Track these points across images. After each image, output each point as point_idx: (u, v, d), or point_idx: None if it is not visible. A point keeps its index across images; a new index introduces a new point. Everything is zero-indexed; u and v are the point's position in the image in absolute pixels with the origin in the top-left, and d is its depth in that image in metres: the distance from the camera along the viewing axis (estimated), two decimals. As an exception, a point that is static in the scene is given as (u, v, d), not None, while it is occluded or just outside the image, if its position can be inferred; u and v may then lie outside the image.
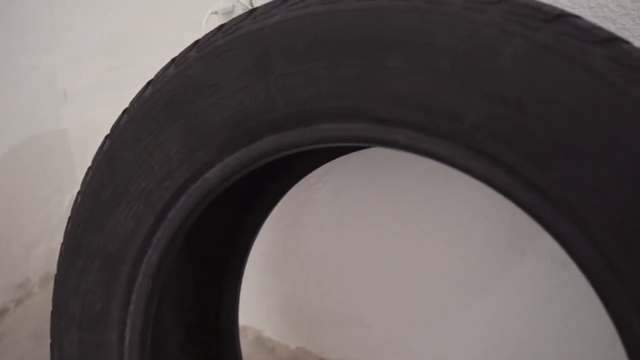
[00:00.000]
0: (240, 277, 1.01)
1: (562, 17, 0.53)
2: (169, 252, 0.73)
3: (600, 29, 0.53)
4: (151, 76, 0.71)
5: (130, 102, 0.73)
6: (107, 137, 0.74)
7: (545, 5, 0.55)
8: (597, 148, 0.50)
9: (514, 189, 0.54)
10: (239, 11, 0.99)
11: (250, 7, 0.90)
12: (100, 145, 0.75)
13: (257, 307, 1.39)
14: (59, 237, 0.81)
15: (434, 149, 0.58)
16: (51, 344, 0.79)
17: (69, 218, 0.78)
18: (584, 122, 0.50)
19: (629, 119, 0.49)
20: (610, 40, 0.52)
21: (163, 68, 0.70)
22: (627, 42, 0.53)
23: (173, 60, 0.70)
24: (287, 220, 1.24)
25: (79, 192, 0.77)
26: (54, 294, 0.79)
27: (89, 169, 0.76)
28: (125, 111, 0.73)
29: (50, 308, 0.80)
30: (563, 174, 0.51)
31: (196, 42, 0.69)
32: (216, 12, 0.89)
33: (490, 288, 1.05)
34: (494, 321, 1.08)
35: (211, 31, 0.68)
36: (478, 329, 1.10)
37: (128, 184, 0.72)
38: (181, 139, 0.68)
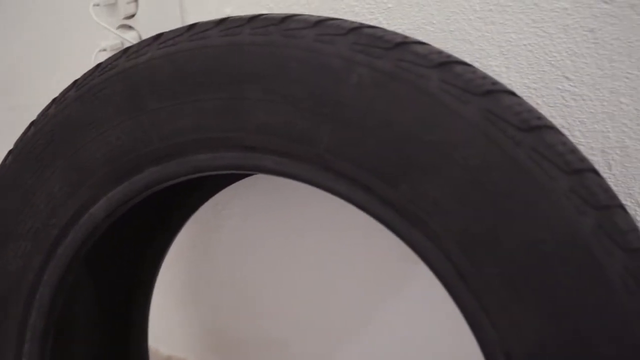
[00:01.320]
0: (148, 304, 1.01)
1: (402, 44, 0.58)
2: (62, 288, 0.74)
3: (439, 53, 0.58)
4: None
5: (15, 143, 0.74)
6: (-7, 178, 0.75)
7: (388, 33, 0.59)
8: (436, 165, 0.54)
9: (371, 206, 0.58)
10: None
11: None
12: (-12, 187, 0.75)
13: (180, 337, 1.39)
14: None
15: (300, 173, 0.61)
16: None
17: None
18: (423, 141, 0.54)
19: (461, 136, 0.53)
20: (445, 64, 0.56)
21: (45, 108, 0.72)
22: (463, 64, 0.58)
23: (54, 100, 0.72)
24: (199, 249, 1.25)
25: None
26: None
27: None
28: (10, 152, 0.74)
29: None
30: (410, 190, 0.55)
31: (75, 81, 0.71)
32: (105, 50, 0.91)
33: (393, 297, 1.09)
34: (402, 327, 1.12)
35: (89, 70, 0.70)
36: (387, 336, 1.14)
37: (15, 223, 0.73)
38: (64, 176, 0.70)
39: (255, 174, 0.89)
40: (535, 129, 0.54)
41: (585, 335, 0.50)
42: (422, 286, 1.05)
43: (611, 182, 0.80)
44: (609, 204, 0.53)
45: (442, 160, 0.53)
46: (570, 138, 0.79)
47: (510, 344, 0.53)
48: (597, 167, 0.79)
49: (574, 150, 0.55)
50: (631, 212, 0.80)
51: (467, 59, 0.79)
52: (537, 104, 0.80)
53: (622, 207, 0.54)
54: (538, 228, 0.51)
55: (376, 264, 1.09)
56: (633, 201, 0.80)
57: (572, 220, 0.51)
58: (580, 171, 0.53)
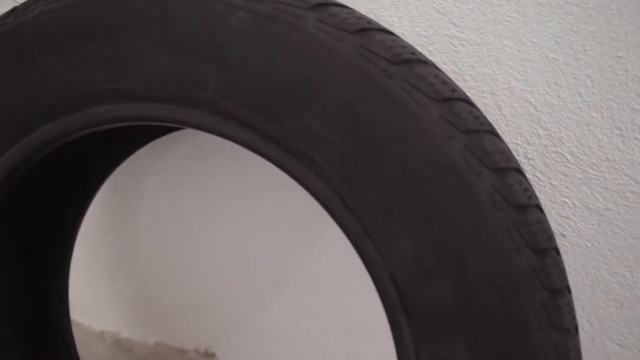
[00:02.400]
0: (67, 267, 1.01)
1: (280, -12, 0.60)
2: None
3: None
4: None
5: None
6: None
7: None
8: (314, 99, 0.57)
9: (257, 144, 0.60)
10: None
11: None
12: None
13: (111, 311, 1.39)
14: None
15: (191, 119, 0.63)
16: None
17: None
18: (302, 77, 0.57)
19: (336, 71, 0.56)
20: (322, 5, 0.59)
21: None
22: (339, 5, 0.61)
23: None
24: (122, 220, 1.26)
25: None
26: None
27: None
28: None
29: None
30: (293, 126, 0.58)
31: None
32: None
33: (314, 255, 1.13)
34: (323, 286, 1.15)
35: (-21, 31, 0.70)
36: (310, 296, 1.17)
37: None
38: (-40, 138, 0.69)
39: (166, 131, 0.90)
40: (407, 62, 0.57)
41: (458, 249, 0.54)
42: (340, 242, 1.09)
43: (502, 122, 0.85)
44: (477, 129, 0.56)
45: (319, 94, 0.56)
46: (462, 83, 0.83)
47: (393, 265, 0.57)
48: (487, 109, 0.84)
49: (445, 82, 0.58)
50: (521, 150, 0.85)
51: (361, 11, 0.82)
52: (430, 51, 0.84)
53: (492, 132, 0.58)
54: (411, 153, 0.55)
55: (297, 222, 1.12)
56: (522, 139, 0.84)
57: (441, 144, 0.54)
58: (450, 99, 0.56)
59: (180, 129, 0.93)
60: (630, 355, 0.96)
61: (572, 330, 0.56)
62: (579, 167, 0.84)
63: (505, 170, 0.55)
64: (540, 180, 0.86)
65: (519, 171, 0.57)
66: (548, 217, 0.89)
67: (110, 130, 0.70)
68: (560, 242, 0.90)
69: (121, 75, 0.63)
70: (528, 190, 0.57)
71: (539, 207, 0.57)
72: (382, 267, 0.57)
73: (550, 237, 0.57)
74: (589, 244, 0.89)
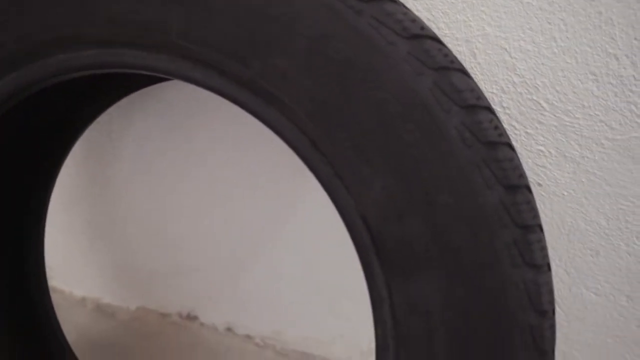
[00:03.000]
0: (42, 231, 0.99)
1: None
2: None
3: None
4: None
5: None
6: None
7: None
8: (282, 39, 0.56)
9: (227, 89, 0.59)
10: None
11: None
12: None
13: (92, 277, 1.38)
14: None
15: (158, 65, 0.61)
16: None
17: None
18: (269, 16, 0.56)
19: (303, 9, 0.55)
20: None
21: None
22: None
23: None
24: (98, 184, 1.24)
25: None
26: None
27: None
28: None
29: None
30: (260, 67, 0.57)
31: None
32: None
33: (294, 214, 1.12)
34: (304, 246, 1.15)
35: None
36: (291, 256, 1.17)
37: None
38: None
39: (139, 85, 0.89)
40: (375, 0, 0.56)
41: (428, 187, 0.54)
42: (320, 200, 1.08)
43: (477, 71, 0.84)
44: (447, 66, 0.55)
45: (287, 34, 0.55)
46: (436, 30, 0.82)
47: (364, 206, 0.56)
48: (462, 57, 0.83)
49: (414, 20, 0.57)
50: (497, 98, 0.85)
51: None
52: (403, -1, 0.83)
53: (462, 71, 0.57)
54: (380, 91, 0.54)
55: (277, 182, 1.11)
56: (498, 87, 0.84)
57: (411, 81, 0.53)
58: (419, 36, 0.55)
59: (150, 82, 0.91)
60: (607, 303, 0.97)
61: (543, 267, 0.56)
62: (554, 115, 0.83)
63: (475, 107, 0.55)
64: (516, 129, 0.86)
65: (490, 109, 0.57)
66: (524, 166, 0.89)
67: (80, 85, 0.69)
68: (536, 192, 0.90)
69: (82, 20, 0.61)
70: (499, 128, 0.56)
71: (510, 146, 0.57)
72: (353, 209, 0.57)
73: (521, 175, 0.56)
74: (565, 193, 0.89)
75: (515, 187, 0.54)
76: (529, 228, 0.54)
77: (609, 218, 0.88)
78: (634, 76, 0.76)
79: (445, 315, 0.54)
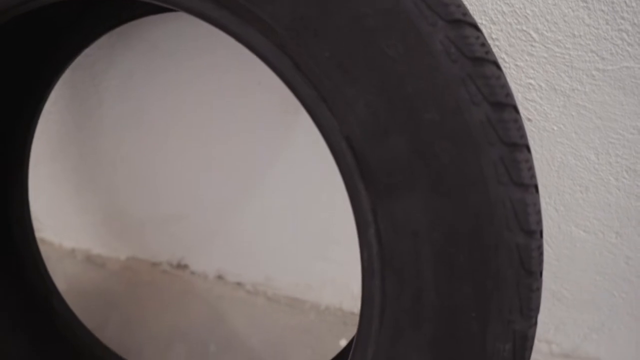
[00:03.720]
0: (26, 164, 0.97)
1: None
2: None
3: None
4: None
5: None
6: None
7: None
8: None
9: (207, 9, 0.57)
10: None
11: None
12: None
13: (80, 227, 1.37)
14: None
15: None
16: None
17: None
18: None
19: None
20: None
21: None
22: None
23: None
24: (83, 130, 1.22)
25: None
26: None
27: None
28: None
29: None
30: (239, -17, 0.55)
31: None
32: None
33: (280, 153, 1.11)
34: (294, 190, 1.14)
35: None
36: (281, 201, 1.16)
37: None
38: None
39: (121, 20, 0.86)
40: None
41: (412, 103, 0.52)
42: (305, 141, 1.07)
43: (465, 1, 0.82)
44: (432, -20, 0.53)
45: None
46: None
47: (348, 126, 0.55)
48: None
49: None
50: (486, 30, 0.83)
51: None
52: None
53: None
54: (362, 5, 0.52)
55: (266, 123, 1.09)
56: (487, 18, 0.82)
57: (394, -6, 0.52)
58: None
59: (132, 16, 0.88)
60: (596, 240, 0.97)
61: (531, 188, 0.55)
62: (544, 46, 0.82)
63: (460, 22, 0.53)
64: (505, 62, 0.84)
65: (476, 27, 0.55)
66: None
67: (60, 17, 0.66)
68: (526, 127, 0.88)
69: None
70: (485, 45, 0.55)
71: (496, 64, 0.55)
72: (337, 131, 0.56)
73: (509, 94, 0.55)
74: (555, 128, 0.88)
75: (502, 104, 0.53)
76: (516, 146, 0.53)
77: (599, 152, 0.87)
78: (625, 2, 0.75)
79: (431, 235, 0.53)
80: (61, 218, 1.38)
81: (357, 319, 1.19)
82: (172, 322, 1.23)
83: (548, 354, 1.10)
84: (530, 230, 0.53)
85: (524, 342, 0.55)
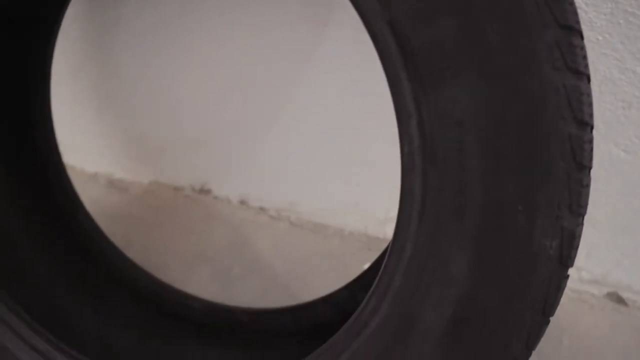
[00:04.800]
0: (48, 76, 0.95)
1: None
2: None
3: None
4: None
5: None
6: None
7: None
8: None
9: None
10: None
11: None
12: None
13: (102, 151, 1.36)
14: None
15: None
16: None
17: None
18: None
19: None
20: None
21: None
22: None
23: None
24: (103, 49, 1.19)
25: None
26: None
27: None
28: None
29: None
30: None
31: None
32: None
33: (306, 73, 1.07)
34: (320, 109, 1.11)
35: None
36: (307, 121, 1.13)
37: None
38: None
39: None
40: None
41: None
42: (335, 52, 1.03)
43: None
44: None
45: None
46: None
47: (391, 9, 0.51)
48: None
49: None
50: None
51: None
52: None
53: None
54: None
55: (287, 39, 1.06)
56: None
57: None
58: None
59: None
60: (636, 161, 0.93)
61: (585, 77, 0.51)
62: (593, -55, 0.76)
63: None
64: (551, -35, 0.79)
65: None
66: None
67: None
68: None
69: None
70: None
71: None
72: (379, 15, 0.52)
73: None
74: (599, 37, 0.83)
75: (559, -16, 0.49)
76: (572, 31, 0.50)
77: (646, 65, 0.83)
78: None
79: (478, 124, 0.50)
80: (82, 142, 1.36)
81: (382, 244, 1.17)
82: (195, 245, 1.23)
83: (577, 280, 1.08)
84: (583, 121, 0.50)
85: (571, 240, 0.52)
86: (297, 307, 0.91)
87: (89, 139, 1.35)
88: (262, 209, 1.28)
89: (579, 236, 0.53)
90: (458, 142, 0.52)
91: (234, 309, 0.93)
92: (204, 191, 1.32)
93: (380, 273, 0.60)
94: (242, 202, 1.29)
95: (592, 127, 0.53)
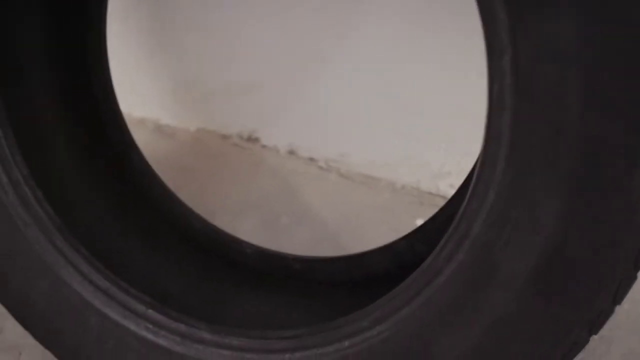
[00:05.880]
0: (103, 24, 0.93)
1: None
2: None
3: None
4: None
5: None
6: None
7: None
8: None
9: None
10: None
11: None
12: None
13: (151, 96, 1.34)
14: None
15: None
16: None
17: None
18: None
19: None
20: None
21: None
22: None
23: None
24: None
25: None
26: None
27: None
28: None
29: None
30: None
31: None
32: None
33: (361, 20, 1.03)
34: (375, 57, 1.07)
35: None
36: (360, 69, 1.09)
37: None
38: None
39: None
40: None
41: None
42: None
43: None
44: None
45: None
46: None
47: None
48: None
49: None
50: None
51: None
52: None
53: None
54: None
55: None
56: None
57: None
58: None
59: None
60: None
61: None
62: None
63: None
64: None
65: None
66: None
67: None
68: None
69: None
70: None
71: None
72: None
73: None
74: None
75: None
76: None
77: None
78: None
79: (581, 58, 0.46)
80: (131, 86, 1.34)
81: (435, 199, 1.14)
82: (243, 193, 1.21)
83: None
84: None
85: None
86: (351, 257, 0.89)
87: (136, 83, 1.33)
88: (311, 159, 1.25)
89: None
90: (558, 79, 0.48)
91: (286, 256, 0.91)
92: (252, 140, 1.30)
93: (458, 218, 0.57)
94: (291, 152, 1.27)
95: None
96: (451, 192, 1.12)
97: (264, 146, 1.29)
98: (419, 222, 1.15)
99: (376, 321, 0.62)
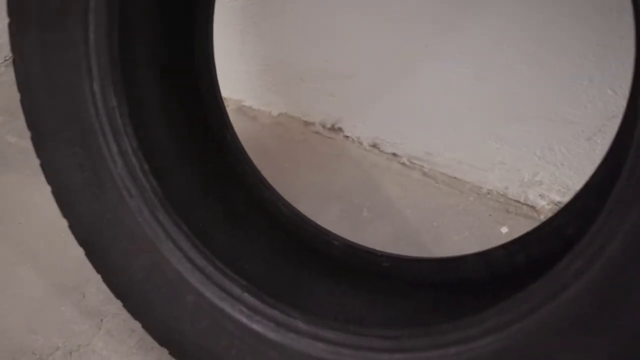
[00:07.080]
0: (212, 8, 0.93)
1: None
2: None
3: None
4: None
5: None
6: None
7: None
8: None
9: None
10: None
11: None
12: None
13: (235, 76, 1.34)
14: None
15: None
16: (12, 50, 0.73)
17: None
18: None
19: None
20: None
21: None
22: None
23: None
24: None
25: None
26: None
27: None
28: None
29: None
30: None
31: None
32: None
33: (466, 20, 1.00)
34: (477, 55, 1.03)
35: None
36: (454, 65, 1.06)
37: None
38: None
39: None
40: None
41: None
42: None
43: None
44: None
45: None
46: None
47: None
48: None
49: None
50: None
51: None
52: None
53: None
54: None
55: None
56: None
57: None
58: None
59: None
60: None
61: None
62: None
63: None
64: None
65: None
66: None
67: None
68: None
69: None
70: None
71: None
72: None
73: None
74: None
75: None
76: None
77: None
78: None
79: None
80: (218, 64, 1.34)
81: (522, 208, 1.10)
82: (324, 182, 1.20)
83: None
84: None
85: None
86: (444, 259, 0.86)
87: (224, 61, 1.32)
88: (394, 155, 1.23)
89: None
90: None
91: (375, 252, 0.89)
92: (335, 129, 1.28)
93: (590, 234, 0.54)
94: (374, 146, 1.25)
95: None
96: (540, 202, 1.09)
97: (346, 137, 1.27)
98: (504, 230, 1.12)
99: (487, 331, 0.59)
